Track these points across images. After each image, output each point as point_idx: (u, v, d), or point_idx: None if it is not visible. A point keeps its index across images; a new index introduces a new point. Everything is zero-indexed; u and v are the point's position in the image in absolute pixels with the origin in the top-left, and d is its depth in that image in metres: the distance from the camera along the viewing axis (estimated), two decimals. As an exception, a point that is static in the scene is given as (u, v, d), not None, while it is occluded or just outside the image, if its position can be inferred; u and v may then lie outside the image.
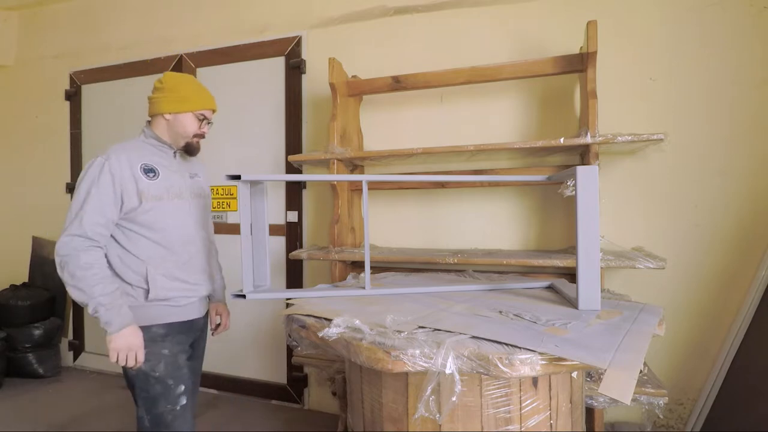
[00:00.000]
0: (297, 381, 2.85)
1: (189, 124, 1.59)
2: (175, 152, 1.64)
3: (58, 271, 1.40)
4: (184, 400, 1.54)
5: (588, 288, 1.34)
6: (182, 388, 1.54)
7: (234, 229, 3.00)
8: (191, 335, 1.65)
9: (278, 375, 2.91)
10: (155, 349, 1.51)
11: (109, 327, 1.38)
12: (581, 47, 2.14)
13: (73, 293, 1.39)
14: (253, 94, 2.96)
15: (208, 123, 1.64)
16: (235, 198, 2.97)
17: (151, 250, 1.52)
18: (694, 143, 2.16)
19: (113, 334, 1.39)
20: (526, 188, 2.41)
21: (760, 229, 2.08)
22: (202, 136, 1.64)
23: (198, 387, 1.78)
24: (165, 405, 1.50)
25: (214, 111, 1.66)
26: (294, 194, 2.86)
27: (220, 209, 3.06)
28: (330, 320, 1.22)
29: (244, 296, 1.51)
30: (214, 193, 3.02)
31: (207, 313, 1.76)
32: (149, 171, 1.53)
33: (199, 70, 3.09)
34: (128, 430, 2.52)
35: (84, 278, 1.37)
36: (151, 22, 3.24)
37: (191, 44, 3.11)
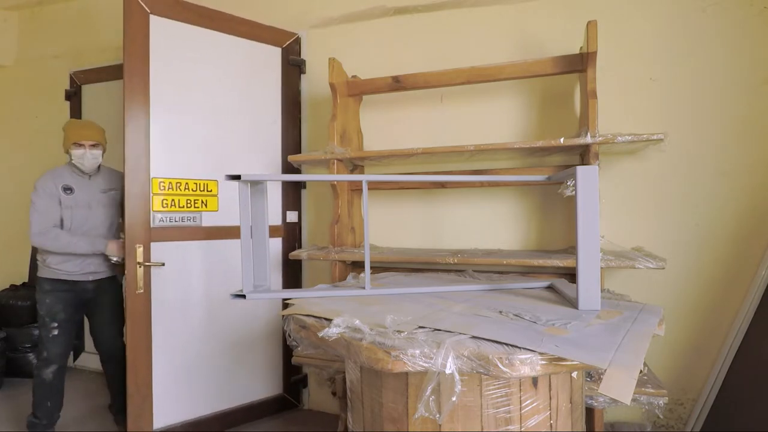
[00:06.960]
0: (295, 383, 2.84)
1: (74, 154, 2.38)
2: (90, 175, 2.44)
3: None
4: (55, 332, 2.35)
5: (588, 288, 1.33)
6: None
7: (212, 233, 2.54)
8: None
9: (276, 377, 2.85)
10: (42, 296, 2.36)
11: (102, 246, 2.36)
12: (581, 47, 2.14)
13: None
14: (242, 81, 2.64)
15: (93, 147, 2.40)
16: (213, 195, 2.61)
17: None
18: (695, 143, 2.16)
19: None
20: (526, 188, 2.41)
21: (760, 229, 2.08)
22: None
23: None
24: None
25: (89, 140, 2.39)
26: (293, 194, 2.85)
27: (192, 209, 2.49)
28: (330, 320, 1.22)
29: (243, 296, 1.51)
30: (188, 189, 2.53)
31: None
32: (66, 189, 2.36)
33: (153, 18, 2.31)
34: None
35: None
36: (151, 22, 3.24)
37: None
